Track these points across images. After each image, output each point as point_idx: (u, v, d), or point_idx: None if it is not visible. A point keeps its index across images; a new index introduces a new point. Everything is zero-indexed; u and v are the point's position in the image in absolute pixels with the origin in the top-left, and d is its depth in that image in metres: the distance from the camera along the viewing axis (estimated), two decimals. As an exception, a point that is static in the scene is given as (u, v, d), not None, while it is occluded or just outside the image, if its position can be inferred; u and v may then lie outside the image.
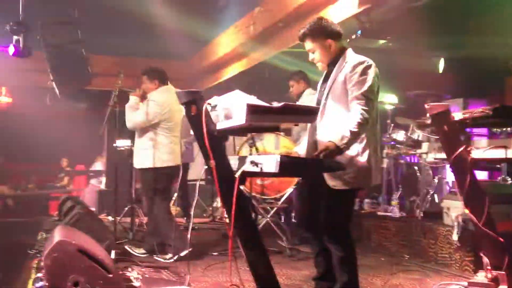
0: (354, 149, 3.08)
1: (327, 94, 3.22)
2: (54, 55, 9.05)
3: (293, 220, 6.68)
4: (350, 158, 3.07)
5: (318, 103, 3.30)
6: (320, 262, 3.42)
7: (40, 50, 8.98)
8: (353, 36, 6.50)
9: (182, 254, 4.69)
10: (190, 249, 4.62)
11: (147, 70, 5.26)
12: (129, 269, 4.11)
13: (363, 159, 3.10)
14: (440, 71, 6.97)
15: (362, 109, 3.01)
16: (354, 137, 2.98)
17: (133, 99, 5.14)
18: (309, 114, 3.12)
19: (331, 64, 3.27)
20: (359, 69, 3.11)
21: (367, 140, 3.12)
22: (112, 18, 8.38)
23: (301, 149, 3.43)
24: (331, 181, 3.11)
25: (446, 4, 6.06)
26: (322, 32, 3.25)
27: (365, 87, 3.06)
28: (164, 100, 5.01)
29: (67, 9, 7.74)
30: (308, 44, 3.28)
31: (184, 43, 9.75)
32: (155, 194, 5.05)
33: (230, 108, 2.88)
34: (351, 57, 3.22)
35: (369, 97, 3.05)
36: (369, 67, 3.13)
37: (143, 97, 5.13)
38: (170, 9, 8.37)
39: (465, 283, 3.54)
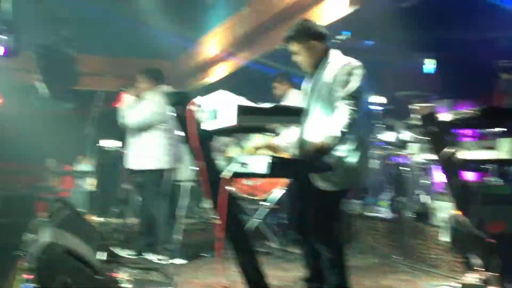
0: (342, 150, 3.08)
1: (313, 95, 3.23)
2: (42, 54, 8.99)
3: (282, 221, 6.68)
4: (338, 159, 3.07)
5: (304, 104, 3.30)
6: (310, 263, 3.42)
7: (28, 50, 8.94)
8: (343, 37, 6.50)
9: (177, 262, 4.63)
10: (185, 261, 4.59)
11: (144, 70, 5.20)
12: (118, 271, 4.07)
13: (351, 160, 3.10)
14: (431, 71, 6.98)
15: (350, 109, 3.00)
16: (342, 137, 2.98)
17: (131, 98, 5.07)
18: (299, 114, 3.13)
19: (316, 65, 3.27)
20: (346, 69, 3.12)
21: (354, 141, 3.12)
22: (100, 17, 8.34)
23: (280, 140, 3.42)
24: (320, 182, 3.11)
25: (435, 4, 6.09)
26: (306, 33, 3.26)
27: (352, 88, 3.06)
28: (162, 101, 4.95)
29: (55, 9, 7.68)
30: (293, 46, 3.29)
31: (171, 43, 9.73)
32: (157, 196, 4.97)
33: (216, 109, 2.88)
34: (336, 58, 3.23)
35: (356, 98, 3.05)
36: (356, 67, 3.14)
37: (138, 97, 5.08)
38: (158, 8, 8.35)
39: (455, 285, 3.56)
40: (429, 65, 6.97)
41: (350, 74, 3.10)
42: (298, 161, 3.17)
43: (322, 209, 3.17)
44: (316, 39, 3.26)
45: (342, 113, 3.01)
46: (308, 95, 3.31)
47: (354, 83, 3.08)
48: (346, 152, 3.10)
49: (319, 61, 3.26)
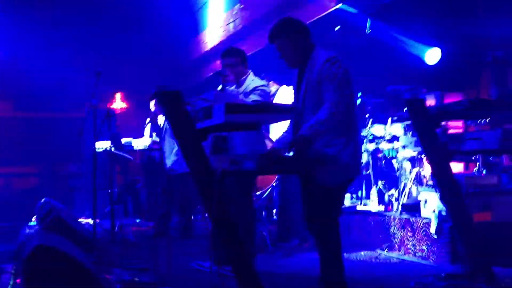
0: (335, 145, 3.11)
1: (304, 93, 3.25)
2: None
3: (275, 217, 6.71)
4: (331, 153, 3.10)
5: (296, 102, 3.32)
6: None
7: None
8: (336, 29, 6.54)
9: None
10: None
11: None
12: (110, 272, 4.08)
13: (344, 153, 3.13)
14: (433, 63, 6.88)
15: (332, 102, 3.05)
16: (322, 127, 3.01)
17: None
18: (287, 111, 3.15)
19: (302, 61, 3.29)
20: (328, 65, 3.15)
21: (347, 135, 3.15)
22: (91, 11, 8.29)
23: (277, 143, 3.40)
24: (316, 177, 3.13)
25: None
26: (290, 29, 3.29)
27: (335, 82, 3.10)
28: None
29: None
30: (277, 43, 3.31)
31: (165, 41, 9.73)
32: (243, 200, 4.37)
33: (209, 107, 2.90)
34: (319, 53, 3.25)
35: (339, 92, 3.08)
36: (336, 61, 3.16)
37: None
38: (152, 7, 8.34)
39: (443, 275, 3.60)
40: (433, 56, 6.82)
41: (332, 68, 3.13)
42: (288, 157, 3.18)
43: (319, 203, 3.19)
44: (298, 33, 3.28)
45: (325, 106, 3.06)
46: (296, 92, 3.33)
47: (336, 77, 3.11)
48: (343, 145, 3.12)
49: (304, 57, 3.28)
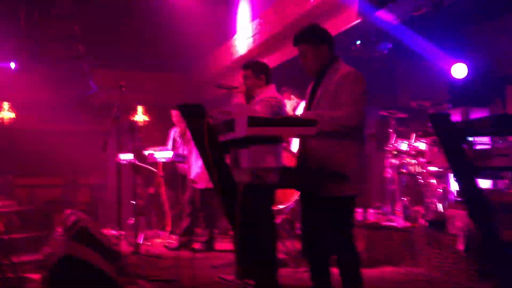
0: (344, 156, 3.10)
1: (318, 102, 3.24)
2: (56, 70, 9.14)
3: (297, 231, 6.66)
4: (341, 164, 3.09)
5: (306, 109, 3.32)
6: (319, 279, 3.36)
7: (42, 65, 9.09)
8: (357, 43, 6.53)
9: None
10: None
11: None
12: (134, 284, 4.10)
13: (352, 165, 3.12)
14: (461, 76, 6.82)
15: (347, 113, 3.06)
16: (330, 122, 3.02)
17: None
18: (309, 125, 3.14)
19: (321, 71, 3.28)
20: (349, 78, 3.14)
21: (357, 147, 3.16)
22: (113, 32, 8.46)
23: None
24: (332, 190, 3.11)
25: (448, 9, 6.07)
26: (317, 36, 3.30)
27: (353, 96, 3.09)
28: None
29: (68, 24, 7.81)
30: (301, 47, 3.30)
31: (184, 56, 9.83)
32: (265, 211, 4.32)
33: (231, 120, 2.91)
34: (340, 66, 3.25)
35: (355, 107, 3.08)
36: (358, 77, 3.16)
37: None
38: (170, 23, 8.45)
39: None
40: (460, 71, 6.78)
41: (355, 82, 3.13)
42: (310, 171, 3.17)
43: (337, 216, 3.16)
44: (325, 43, 3.28)
45: (346, 113, 3.06)
46: (309, 100, 3.33)
47: (359, 92, 3.11)
48: (353, 156, 3.12)
49: (324, 67, 3.27)
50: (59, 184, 11.60)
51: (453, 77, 6.72)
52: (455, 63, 6.68)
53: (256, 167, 3.78)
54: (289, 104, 5.81)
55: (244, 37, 8.31)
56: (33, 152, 11.18)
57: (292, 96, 5.85)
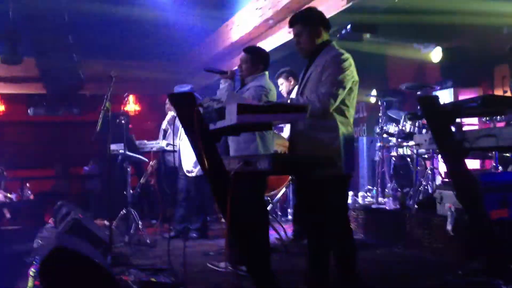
0: (327, 138, 3.14)
1: (305, 84, 3.28)
2: (44, 61, 9.04)
3: (290, 216, 6.71)
4: (326, 145, 3.13)
5: (298, 92, 3.34)
6: (315, 258, 3.41)
7: (30, 57, 9.00)
8: (343, 31, 6.54)
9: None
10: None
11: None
12: (126, 273, 4.11)
13: (337, 146, 3.15)
14: (436, 60, 6.95)
15: (324, 93, 3.10)
16: (293, 107, 3.02)
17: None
18: (299, 111, 3.15)
19: (314, 54, 3.30)
20: (336, 60, 3.17)
21: (338, 129, 3.17)
22: (104, 21, 8.35)
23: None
24: (323, 171, 3.13)
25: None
26: (315, 18, 3.33)
27: (336, 77, 3.12)
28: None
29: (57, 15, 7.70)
30: (297, 28, 3.32)
31: (176, 44, 9.75)
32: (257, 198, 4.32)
33: (221, 108, 2.91)
34: (333, 49, 3.27)
35: (335, 87, 3.11)
36: (345, 60, 3.18)
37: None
38: (162, 12, 8.36)
39: (460, 272, 3.58)
40: (437, 53, 6.89)
41: (335, 65, 3.15)
42: (301, 157, 3.18)
43: (329, 197, 3.20)
44: (321, 26, 3.31)
45: (323, 93, 3.10)
46: (300, 83, 3.37)
47: (343, 74, 3.13)
48: (342, 140, 3.14)
49: (318, 50, 3.29)
50: (51, 176, 11.57)
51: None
52: (441, 44, 6.74)
53: (245, 154, 3.78)
54: (284, 87, 5.79)
55: (237, 23, 8.26)
56: (23, 143, 11.13)
57: (290, 78, 5.80)
